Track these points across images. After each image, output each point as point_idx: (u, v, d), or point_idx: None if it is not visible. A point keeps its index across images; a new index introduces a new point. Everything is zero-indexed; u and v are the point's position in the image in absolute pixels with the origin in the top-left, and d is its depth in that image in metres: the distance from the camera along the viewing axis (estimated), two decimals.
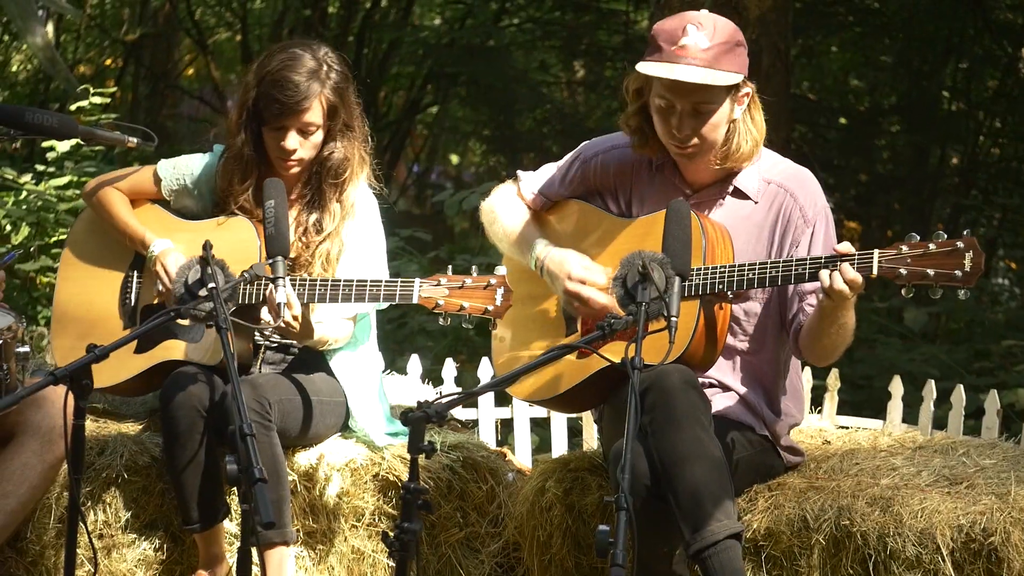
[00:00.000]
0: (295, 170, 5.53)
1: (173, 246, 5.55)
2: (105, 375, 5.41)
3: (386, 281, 5.16)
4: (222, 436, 5.17)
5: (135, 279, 5.68)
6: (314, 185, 5.59)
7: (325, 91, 5.45)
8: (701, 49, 4.98)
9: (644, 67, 5.03)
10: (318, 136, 5.49)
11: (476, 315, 5.02)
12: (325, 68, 5.47)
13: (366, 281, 5.18)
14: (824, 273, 4.72)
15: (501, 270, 5.04)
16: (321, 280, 5.23)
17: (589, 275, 5.15)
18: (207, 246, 4.96)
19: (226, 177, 5.60)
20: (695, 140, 5.05)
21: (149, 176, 5.74)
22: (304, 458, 5.60)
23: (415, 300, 5.07)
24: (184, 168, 5.72)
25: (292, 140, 5.45)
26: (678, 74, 4.97)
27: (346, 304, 5.30)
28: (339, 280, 5.21)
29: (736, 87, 5.07)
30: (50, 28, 14.48)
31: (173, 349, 5.48)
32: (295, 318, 5.15)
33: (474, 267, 5.10)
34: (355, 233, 5.60)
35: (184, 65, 19.22)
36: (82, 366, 4.47)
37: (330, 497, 5.59)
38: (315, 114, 5.45)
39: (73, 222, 9.58)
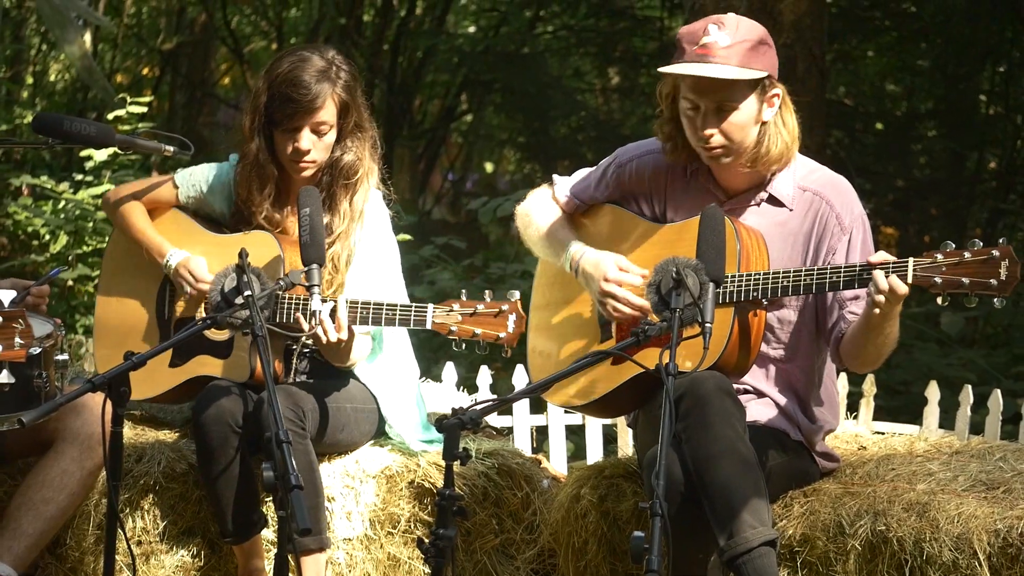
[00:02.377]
0: (308, 172, 5.54)
1: (188, 254, 5.58)
2: (139, 388, 5.44)
3: (401, 306, 5.20)
4: (258, 446, 5.20)
5: (168, 292, 5.70)
6: (325, 187, 5.59)
7: (336, 89, 5.48)
8: (722, 47, 4.98)
9: (666, 68, 5.05)
10: (331, 136, 5.52)
11: (489, 341, 5.05)
12: (335, 68, 5.50)
13: (382, 304, 5.22)
14: (879, 274, 4.70)
15: (514, 295, 5.06)
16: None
17: (625, 277, 5.15)
18: (243, 254, 4.99)
19: (245, 186, 5.61)
20: (721, 140, 5.04)
21: (168, 185, 5.77)
22: (339, 465, 5.62)
23: (428, 326, 5.11)
24: (200, 176, 5.75)
25: (306, 140, 5.47)
26: (697, 70, 4.97)
27: (363, 326, 5.32)
28: (356, 302, 5.24)
29: (763, 88, 5.06)
30: (87, 37, 14.54)
31: (205, 364, 5.51)
32: (339, 331, 5.18)
33: (488, 292, 5.12)
34: (365, 242, 5.61)
35: (220, 74, 19.30)
36: (120, 373, 4.50)
37: (366, 504, 5.61)
38: (328, 112, 5.47)
39: (110, 230, 9.70)
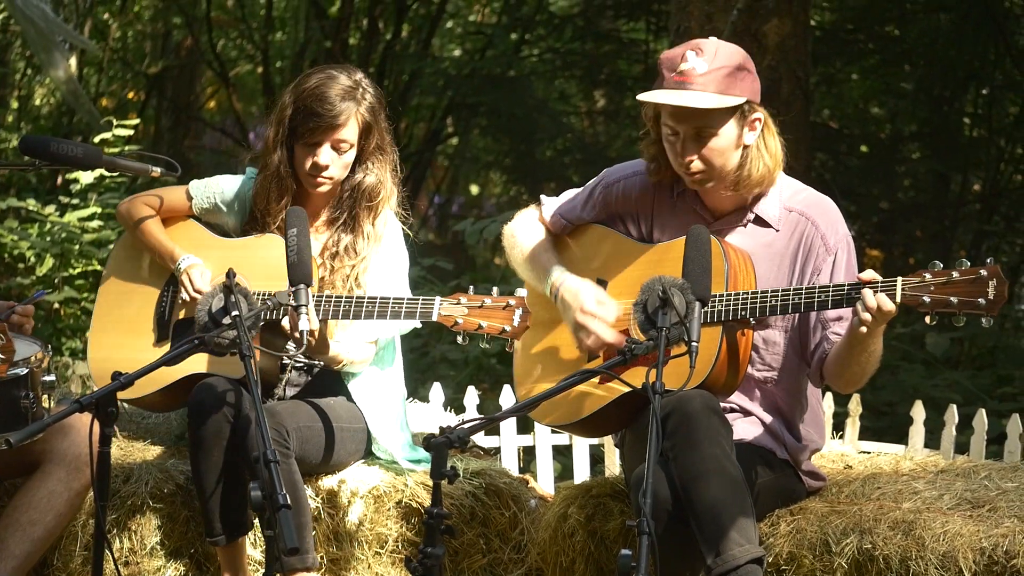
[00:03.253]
0: (324, 188, 5.58)
1: (201, 262, 5.62)
2: (132, 387, 5.46)
3: (408, 298, 5.24)
4: (245, 459, 5.20)
5: (170, 294, 5.73)
6: (347, 208, 5.65)
7: (361, 110, 5.54)
8: (699, 74, 5.00)
9: (643, 96, 5.07)
10: (350, 155, 5.56)
11: (494, 334, 5.08)
12: (361, 89, 5.56)
13: (388, 298, 5.25)
14: (868, 292, 4.73)
15: (521, 292, 5.11)
16: (345, 297, 5.29)
17: (600, 310, 5.16)
18: (230, 274, 5.01)
19: (263, 196, 5.67)
20: (700, 165, 5.06)
21: (181, 195, 5.82)
22: (327, 485, 5.62)
23: (435, 317, 5.16)
24: (215, 187, 5.80)
25: (325, 156, 5.52)
26: (670, 98, 5.00)
27: (368, 321, 5.35)
28: (362, 297, 5.28)
29: (743, 113, 5.09)
30: (73, 61, 14.56)
31: (199, 362, 5.51)
32: (311, 333, 5.21)
33: (494, 288, 5.16)
34: (381, 261, 5.66)
35: (206, 97, 19.31)
36: (107, 393, 4.50)
37: (353, 524, 5.61)
38: (350, 131, 5.52)
39: (96, 253, 9.71)
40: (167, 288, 5.76)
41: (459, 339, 5.21)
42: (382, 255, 5.67)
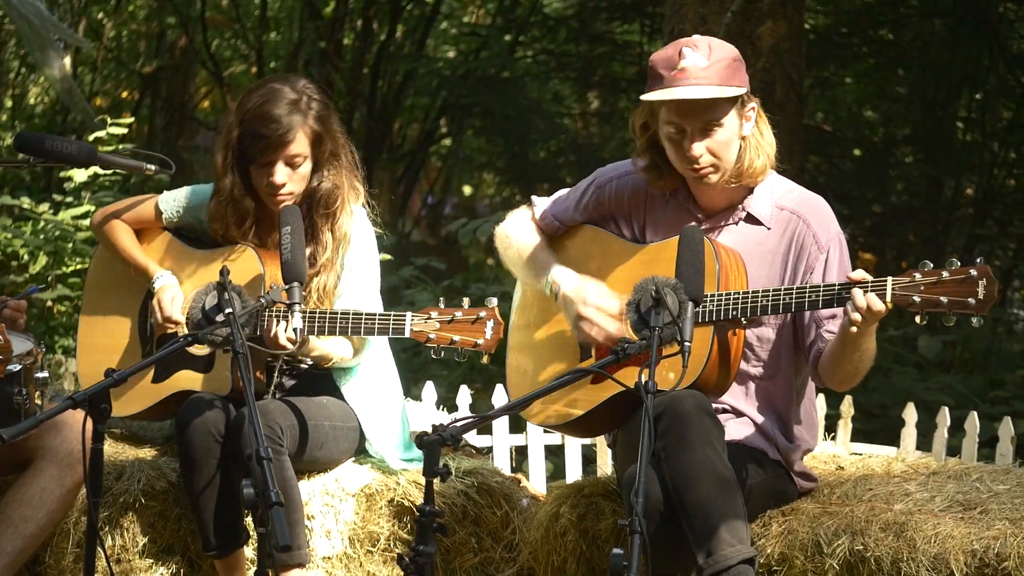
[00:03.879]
0: (287, 203, 5.51)
1: (175, 281, 5.59)
2: (121, 405, 5.48)
3: (380, 315, 5.23)
4: (237, 462, 5.21)
5: (149, 309, 5.71)
6: (305, 218, 5.57)
7: (308, 121, 5.47)
8: (701, 68, 5.02)
9: (649, 96, 5.08)
10: (306, 167, 5.51)
11: (467, 348, 5.08)
12: (305, 99, 5.49)
13: (361, 314, 5.24)
14: (858, 291, 4.73)
15: (492, 302, 5.09)
16: (319, 312, 5.27)
17: (603, 302, 5.17)
18: (224, 272, 5.01)
19: (220, 221, 5.61)
20: (710, 159, 5.08)
21: (151, 208, 5.77)
22: (319, 483, 5.63)
23: (407, 334, 5.14)
24: (184, 200, 5.75)
25: (281, 174, 5.47)
26: (683, 94, 5.00)
27: (342, 335, 5.34)
28: (334, 312, 5.26)
29: (742, 103, 5.11)
30: (67, 60, 14.55)
31: (186, 379, 5.52)
32: (292, 342, 5.21)
33: (465, 300, 5.15)
34: (350, 260, 5.62)
35: (200, 97, 19.31)
36: (100, 390, 4.50)
37: (345, 522, 5.61)
38: (300, 145, 5.46)
39: (90, 251, 9.70)
40: (146, 303, 5.73)
41: (432, 354, 5.20)
42: (352, 257, 5.63)
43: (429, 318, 5.11)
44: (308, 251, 5.55)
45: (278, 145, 5.43)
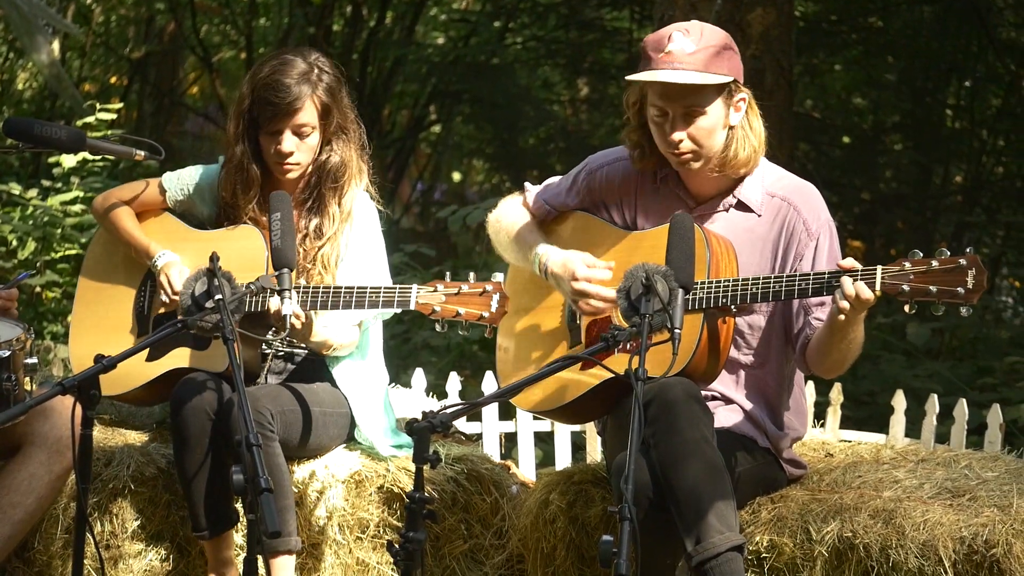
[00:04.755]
0: (293, 174, 5.58)
1: (177, 258, 5.61)
2: (115, 383, 5.46)
3: (385, 288, 5.23)
4: (229, 445, 5.21)
5: (148, 289, 5.73)
6: (313, 190, 5.65)
7: (317, 92, 5.53)
8: (687, 53, 5.02)
9: (633, 76, 5.08)
10: (314, 138, 5.56)
11: (472, 321, 5.08)
12: (316, 71, 5.55)
13: (365, 288, 5.25)
14: (847, 279, 4.74)
15: (498, 276, 5.09)
16: (323, 288, 5.29)
17: (594, 273, 5.17)
18: (214, 258, 5.00)
19: (229, 189, 5.66)
20: (690, 145, 5.08)
21: (155, 188, 5.81)
22: (308, 469, 5.63)
23: (412, 306, 5.14)
24: (188, 179, 5.79)
25: (288, 142, 5.52)
26: (664, 76, 5.01)
27: (347, 311, 5.35)
28: (339, 287, 5.28)
29: (730, 92, 5.11)
30: (55, 46, 14.52)
31: (181, 357, 5.53)
32: (296, 316, 5.21)
33: (471, 273, 5.15)
34: (354, 240, 5.66)
35: (189, 83, 19.28)
36: (90, 376, 4.50)
37: (334, 508, 5.62)
38: (308, 114, 5.52)
39: (79, 237, 9.70)
40: (144, 283, 5.76)
41: (437, 327, 5.21)
42: (356, 236, 5.66)
43: (435, 290, 5.11)
44: (315, 223, 5.63)
45: (286, 113, 5.49)
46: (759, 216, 5.21)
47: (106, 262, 5.87)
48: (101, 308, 5.81)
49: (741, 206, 5.23)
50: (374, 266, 5.66)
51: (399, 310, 5.35)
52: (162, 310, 5.66)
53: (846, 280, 4.74)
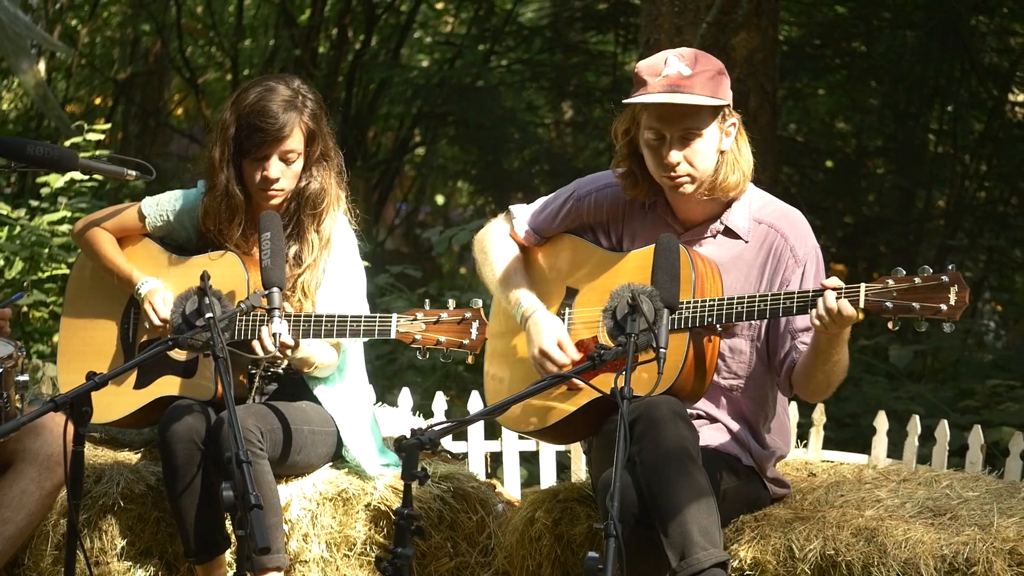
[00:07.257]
0: (277, 200, 5.59)
1: (160, 284, 5.63)
2: (104, 411, 5.49)
3: (365, 317, 5.27)
4: (219, 467, 5.24)
5: (132, 316, 5.74)
6: (293, 216, 5.66)
7: (303, 118, 5.56)
8: (685, 76, 5.08)
9: (636, 98, 5.12)
10: (298, 164, 5.58)
11: (453, 348, 5.12)
12: (300, 97, 5.58)
13: (346, 317, 5.28)
14: (830, 294, 4.78)
15: (477, 303, 5.13)
16: (303, 316, 5.32)
17: (558, 354, 5.22)
18: (205, 276, 5.04)
19: (213, 217, 5.66)
20: (687, 168, 5.13)
21: (134, 214, 5.80)
22: (296, 487, 5.65)
23: (392, 335, 5.18)
24: (167, 204, 5.79)
25: (275, 168, 5.53)
26: (666, 98, 5.05)
27: (328, 339, 5.38)
28: (320, 316, 5.31)
29: (723, 116, 5.16)
30: (41, 66, 14.53)
31: (169, 385, 5.55)
32: (285, 344, 5.25)
33: (451, 300, 5.19)
34: (333, 266, 5.67)
35: (174, 104, 19.27)
36: (81, 393, 4.53)
37: (322, 526, 5.64)
38: (295, 141, 5.54)
39: (66, 257, 9.72)
40: (128, 310, 5.77)
41: (419, 355, 5.24)
42: (334, 263, 5.68)
43: (415, 319, 5.15)
44: (294, 250, 5.63)
45: (275, 139, 5.51)
46: (746, 242, 5.26)
47: (90, 288, 5.87)
48: (87, 334, 5.82)
49: (728, 232, 5.27)
50: (352, 293, 5.68)
51: (380, 338, 5.37)
52: (146, 336, 5.68)
53: (829, 294, 4.78)
